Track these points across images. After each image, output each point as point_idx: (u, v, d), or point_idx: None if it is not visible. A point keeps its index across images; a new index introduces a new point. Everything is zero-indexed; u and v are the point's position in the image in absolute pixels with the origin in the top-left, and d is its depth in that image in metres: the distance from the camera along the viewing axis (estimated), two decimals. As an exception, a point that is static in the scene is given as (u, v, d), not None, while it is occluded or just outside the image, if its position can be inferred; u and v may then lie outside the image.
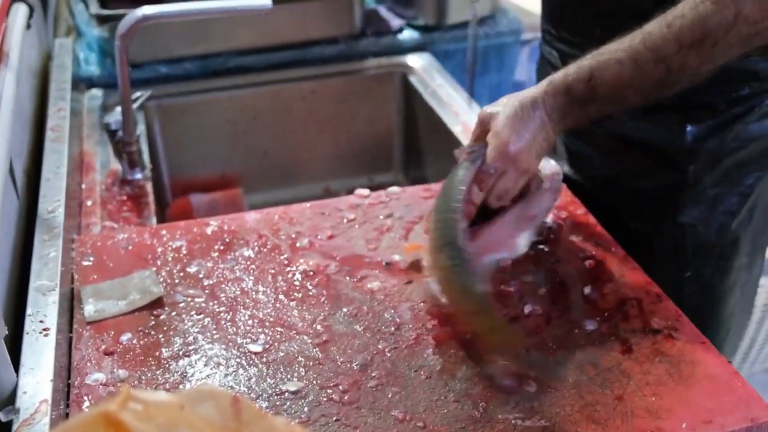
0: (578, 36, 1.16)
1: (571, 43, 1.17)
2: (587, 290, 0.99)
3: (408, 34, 1.84)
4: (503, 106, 0.97)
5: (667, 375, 0.86)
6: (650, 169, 1.14)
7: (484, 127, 1.00)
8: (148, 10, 1.20)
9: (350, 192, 1.21)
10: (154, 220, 1.23)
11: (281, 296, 0.98)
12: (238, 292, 0.98)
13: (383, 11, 1.89)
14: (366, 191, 1.19)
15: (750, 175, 1.14)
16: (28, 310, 0.90)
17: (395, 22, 1.85)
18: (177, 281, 1.00)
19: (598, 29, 1.11)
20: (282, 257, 1.05)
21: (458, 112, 1.58)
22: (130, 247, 1.06)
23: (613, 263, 1.03)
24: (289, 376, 0.86)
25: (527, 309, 0.95)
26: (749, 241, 1.20)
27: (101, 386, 0.84)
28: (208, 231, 1.10)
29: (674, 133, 1.10)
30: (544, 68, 1.28)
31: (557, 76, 0.95)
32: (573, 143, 1.22)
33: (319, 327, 0.93)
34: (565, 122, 0.96)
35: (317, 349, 0.90)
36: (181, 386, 0.85)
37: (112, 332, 0.92)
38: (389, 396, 0.84)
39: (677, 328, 0.93)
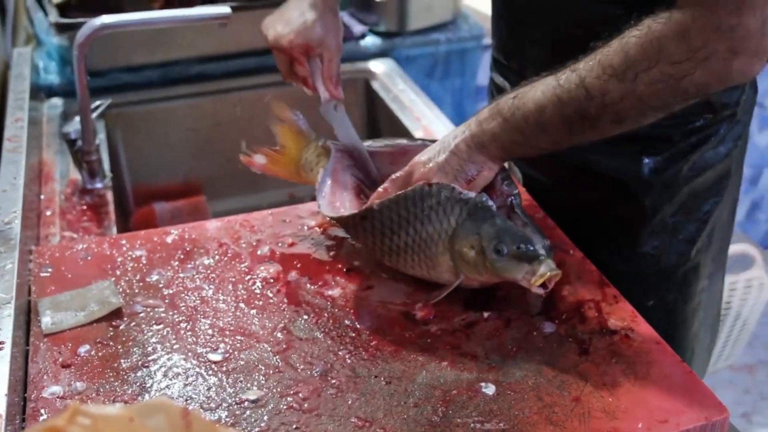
0: (531, 70, 1.16)
1: (524, 77, 1.17)
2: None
3: (370, 40, 1.85)
4: None
5: (623, 376, 0.88)
6: (608, 200, 1.14)
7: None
8: (106, 18, 1.19)
9: (314, 198, 1.21)
10: (114, 229, 1.22)
11: (241, 304, 0.98)
12: (198, 302, 0.98)
13: (345, 17, 1.89)
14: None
15: (707, 202, 1.14)
16: (-17, 324, 0.89)
17: (357, 28, 1.86)
18: (136, 291, 1.00)
19: (555, 67, 1.12)
20: (242, 265, 1.05)
21: (420, 116, 1.58)
22: (89, 258, 1.05)
23: (572, 265, 1.04)
24: (249, 385, 0.86)
25: (486, 312, 0.96)
26: (709, 264, 1.21)
27: (58, 399, 0.83)
28: (169, 240, 1.09)
29: (631, 165, 1.10)
30: (492, 98, 1.28)
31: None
32: (530, 172, 1.21)
33: (279, 335, 0.93)
34: (492, 139, 0.93)
35: (277, 356, 0.90)
36: (139, 398, 0.84)
37: (70, 344, 0.91)
38: (349, 402, 0.84)
39: (633, 329, 0.94)
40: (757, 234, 2.73)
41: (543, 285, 0.90)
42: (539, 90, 0.90)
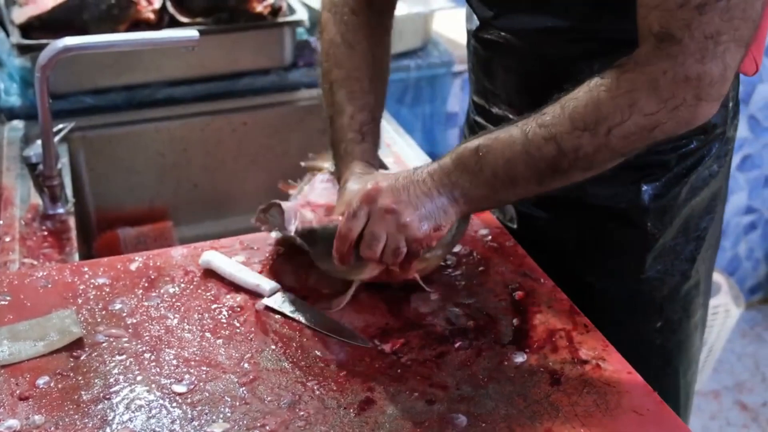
0: (512, 112, 1.14)
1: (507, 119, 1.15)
2: (516, 322, 0.99)
3: (340, 66, 1.84)
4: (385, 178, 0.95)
5: (594, 406, 0.87)
6: (609, 230, 1.13)
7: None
8: (69, 40, 1.17)
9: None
10: (76, 256, 1.19)
11: (207, 334, 0.95)
12: (163, 331, 0.96)
13: (315, 42, 1.89)
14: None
15: (704, 220, 1.16)
16: (-63, 355, 0.86)
17: (327, 53, 1.85)
18: (99, 320, 0.97)
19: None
20: (209, 294, 1.02)
21: (390, 143, 1.58)
22: (50, 286, 1.02)
23: (542, 294, 1.04)
24: (214, 418, 0.83)
25: (457, 342, 0.95)
26: (705, 279, 1.22)
27: (15, 433, 0.80)
28: (133, 267, 1.06)
29: (630, 194, 1.10)
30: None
31: (449, 152, 0.95)
32: (526, 210, 1.19)
33: (246, 365, 0.91)
34: (462, 193, 0.93)
35: (244, 388, 0.88)
36: (100, 431, 0.81)
37: (28, 375, 0.88)
38: (318, 435, 0.82)
39: (605, 358, 0.93)
40: (722, 261, 2.76)
41: None
42: (506, 144, 0.90)
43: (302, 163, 1.25)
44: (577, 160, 0.88)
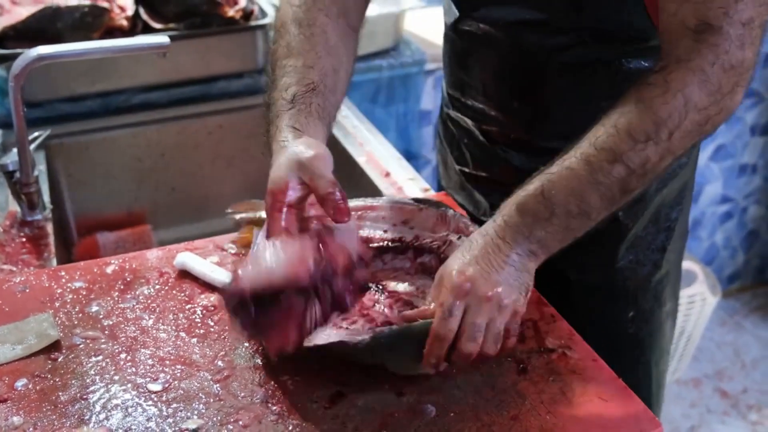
0: (497, 110, 1.15)
1: (483, 112, 1.18)
2: (484, 314, 1.01)
3: (314, 67, 1.86)
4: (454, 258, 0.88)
5: (560, 393, 0.89)
6: None
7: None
8: (43, 49, 1.18)
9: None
10: (54, 261, 1.21)
11: (182, 333, 0.97)
12: (138, 332, 0.98)
13: (289, 45, 1.90)
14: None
15: (674, 210, 1.18)
16: None
17: (301, 55, 1.87)
18: (75, 323, 0.99)
19: (515, 102, 1.12)
20: (183, 294, 1.04)
21: (363, 142, 1.60)
22: (27, 290, 1.04)
23: (510, 286, 1.06)
24: (189, 414, 0.86)
25: (426, 335, 0.97)
26: (674, 269, 1.25)
27: (-6, 435, 0.82)
28: (109, 270, 1.08)
29: None
30: (449, 132, 1.29)
31: (505, 203, 0.90)
32: (495, 199, 1.19)
33: (220, 363, 0.93)
34: (539, 245, 0.88)
35: (218, 385, 0.90)
36: (77, 430, 0.83)
37: (7, 378, 0.90)
38: (290, 428, 0.84)
39: (570, 347, 0.96)
40: (698, 251, 2.80)
41: None
42: (569, 178, 0.86)
43: (235, 216, 1.17)
44: (645, 173, 0.86)
